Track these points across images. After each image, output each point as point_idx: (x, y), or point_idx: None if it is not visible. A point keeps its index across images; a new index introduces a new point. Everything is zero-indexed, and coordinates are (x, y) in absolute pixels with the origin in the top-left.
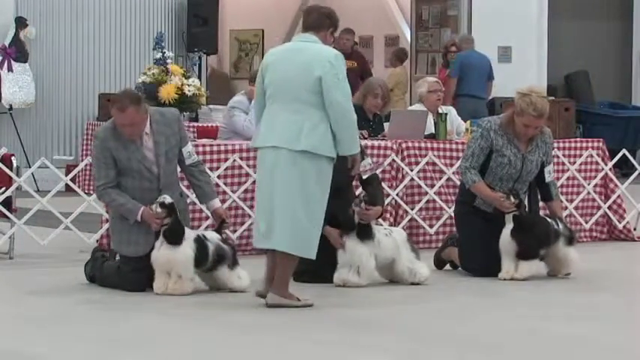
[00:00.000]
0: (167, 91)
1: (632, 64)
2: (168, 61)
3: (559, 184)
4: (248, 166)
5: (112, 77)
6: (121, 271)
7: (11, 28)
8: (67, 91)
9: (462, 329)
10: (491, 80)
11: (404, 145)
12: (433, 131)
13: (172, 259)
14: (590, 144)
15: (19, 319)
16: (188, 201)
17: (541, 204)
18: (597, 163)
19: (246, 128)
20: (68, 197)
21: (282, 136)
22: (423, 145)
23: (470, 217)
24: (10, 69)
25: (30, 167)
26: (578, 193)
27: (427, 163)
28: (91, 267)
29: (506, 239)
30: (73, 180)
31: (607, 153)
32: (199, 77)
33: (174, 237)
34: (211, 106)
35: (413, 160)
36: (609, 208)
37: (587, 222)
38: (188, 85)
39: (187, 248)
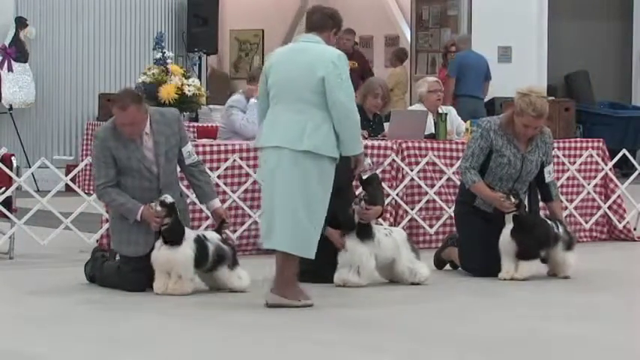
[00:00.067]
0: (167, 91)
1: (632, 64)
2: (168, 61)
3: (559, 184)
4: (248, 166)
5: (112, 77)
6: (121, 271)
7: (11, 28)
8: (67, 91)
9: (462, 329)
10: (489, 80)
11: (404, 145)
12: (433, 131)
13: (172, 259)
14: (590, 144)
15: (19, 319)
16: (188, 201)
17: (541, 204)
18: (597, 163)
19: (243, 127)
20: (68, 197)
21: (284, 136)
22: (423, 145)
23: (470, 217)
24: (10, 69)
25: (30, 167)
26: (578, 193)
27: (427, 163)
28: (91, 267)
29: (506, 239)
30: (73, 180)
31: (607, 153)
32: (199, 77)
33: (174, 237)
34: (211, 106)
35: (413, 160)
36: (609, 208)
37: (587, 222)
38: (188, 85)
39: (187, 248)
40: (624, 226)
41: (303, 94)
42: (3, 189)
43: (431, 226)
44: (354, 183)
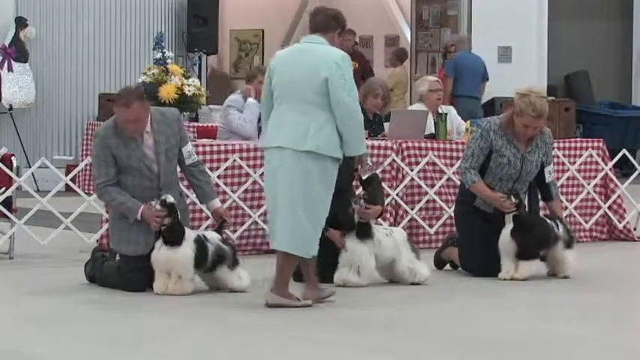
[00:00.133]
0: (167, 91)
1: (632, 64)
2: (168, 61)
3: (559, 184)
4: (248, 166)
5: (112, 77)
6: (121, 271)
7: (11, 28)
8: (67, 91)
9: (462, 329)
10: (485, 81)
11: (404, 145)
12: (433, 131)
13: (172, 260)
14: (590, 144)
15: (19, 319)
16: (188, 201)
17: (541, 204)
18: (597, 163)
19: (239, 127)
20: (68, 197)
21: (288, 136)
22: (423, 145)
23: (470, 217)
24: (10, 69)
25: (30, 167)
26: (578, 193)
27: (427, 163)
28: (91, 267)
29: (506, 239)
30: (73, 180)
31: (607, 153)
32: (199, 77)
33: (175, 237)
34: (211, 106)
35: (413, 160)
36: (609, 208)
37: (587, 222)
38: (188, 85)
39: (187, 248)
40: (624, 226)
41: (307, 95)
42: (3, 189)
43: (431, 226)
44: (354, 183)
